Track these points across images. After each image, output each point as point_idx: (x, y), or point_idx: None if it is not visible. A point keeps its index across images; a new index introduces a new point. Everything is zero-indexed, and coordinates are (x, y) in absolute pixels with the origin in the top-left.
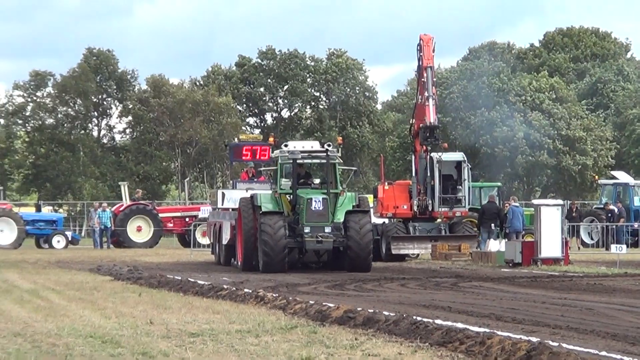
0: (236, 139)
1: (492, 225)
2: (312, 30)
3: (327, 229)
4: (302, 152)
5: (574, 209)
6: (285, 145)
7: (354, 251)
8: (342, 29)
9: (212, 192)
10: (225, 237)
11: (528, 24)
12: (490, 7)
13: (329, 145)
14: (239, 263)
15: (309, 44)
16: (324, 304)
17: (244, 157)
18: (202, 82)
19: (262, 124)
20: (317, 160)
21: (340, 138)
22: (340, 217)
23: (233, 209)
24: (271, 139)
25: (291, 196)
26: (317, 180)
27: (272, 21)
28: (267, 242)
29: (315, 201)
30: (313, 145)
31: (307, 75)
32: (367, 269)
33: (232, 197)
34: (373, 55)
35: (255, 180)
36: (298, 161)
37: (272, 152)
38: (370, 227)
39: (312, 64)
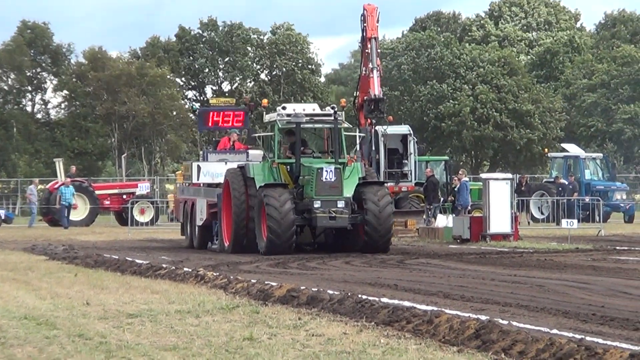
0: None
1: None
2: (256, 1)
3: (341, 204)
4: (306, 115)
5: (524, 183)
6: (284, 108)
7: (373, 227)
8: None
9: (186, 165)
10: (201, 218)
11: None
12: None
13: (333, 108)
14: (226, 245)
15: (255, 15)
16: (266, 282)
17: (214, 125)
18: (140, 54)
19: (202, 97)
20: (322, 125)
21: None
22: (348, 190)
23: (209, 185)
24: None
25: (291, 167)
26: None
27: None
28: (274, 217)
29: (327, 171)
30: (314, 107)
31: (250, 49)
32: (385, 249)
33: (209, 171)
34: (320, 25)
35: (228, 150)
36: (302, 126)
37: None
38: (390, 200)
39: (255, 36)
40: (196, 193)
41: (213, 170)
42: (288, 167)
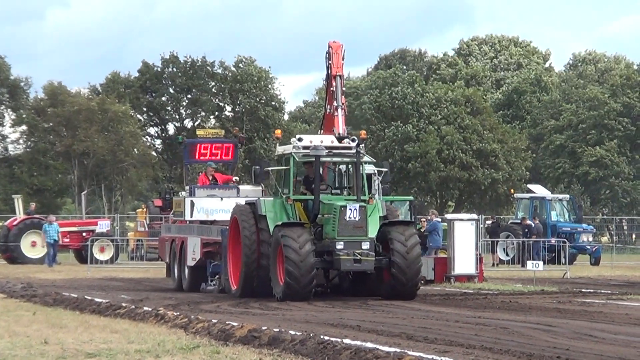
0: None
1: None
2: (225, 38)
3: (365, 245)
4: (326, 147)
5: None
6: (300, 140)
7: (400, 270)
8: (258, 35)
9: (178, 201)
10: (193, 257)
11: (456, 32)
12: (418, 16)
13: (353, 140)
14: (233, 289)
15: (221, 51)
16: (227, 322)
17: (201, 157)
18: (100, 90)
19: (164, 134)
20: (342, 159)
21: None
22: (372, 231)
23: (202, 222)
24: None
25: (306, 204)
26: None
27: (185, 27)
28: (293, 259)
29: (351, 210)
30: (332, 140)
31: (213, 85)
32: (412, 294)
33: (204, 207)
34: (286, 62)
35: (216, 184)
36: (322, 159)
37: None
38: (418, 241)
39: (220, 71)
40: (187, 231)
41: (207, 206)
42: (303, 204)
